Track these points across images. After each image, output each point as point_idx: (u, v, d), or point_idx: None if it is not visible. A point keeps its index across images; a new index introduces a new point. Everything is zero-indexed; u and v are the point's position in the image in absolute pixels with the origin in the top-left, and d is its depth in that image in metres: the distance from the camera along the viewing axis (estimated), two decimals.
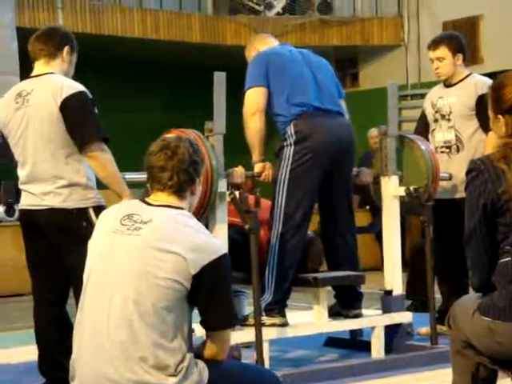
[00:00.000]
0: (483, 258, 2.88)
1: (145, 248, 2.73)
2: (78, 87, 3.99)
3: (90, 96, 4.01)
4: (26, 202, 4.10)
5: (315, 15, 12.25)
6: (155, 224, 2.76)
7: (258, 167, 4.75)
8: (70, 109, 3.93)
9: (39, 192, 4.01)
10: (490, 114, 3.01)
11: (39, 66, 4.14)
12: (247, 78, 4.75)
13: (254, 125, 4.66)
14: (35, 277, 4.19)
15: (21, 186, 4.13)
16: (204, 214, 4.33)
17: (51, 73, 4.08)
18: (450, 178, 5.38)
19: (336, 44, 12.30)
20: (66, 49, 4.13)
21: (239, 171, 4.52)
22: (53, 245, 4.03)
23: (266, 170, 4.75)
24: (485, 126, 5.32)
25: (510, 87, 2.92)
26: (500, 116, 2.94)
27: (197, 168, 2.89)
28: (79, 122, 3.94)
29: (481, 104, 5.32)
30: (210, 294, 2.73)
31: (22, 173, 4.11)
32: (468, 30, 11.39)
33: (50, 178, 3.98)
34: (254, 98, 4.68)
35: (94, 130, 3.96)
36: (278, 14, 12.30)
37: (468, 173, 2.92)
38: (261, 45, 4.96)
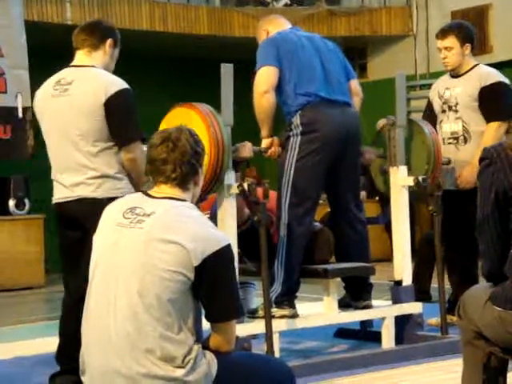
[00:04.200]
0: (495, 246, 2.87)
1: (147, 240, 2.73)
2: (124, 84, 4.05)
3: (133, 92, 4.05)
4: (58, 195, 4.14)
5: (323, 6, 12.21)
6: (157, 215, 2.77)
7: (265, 142, 4.75)
8: (116, 106, 3.97)
9: (70, 183, 4.05)
10: None
11: (81, 56, 4.17)
12: (258, 58, 4.71)
13: (264, 102, 4.63)
14: (67, 269, 4.21)
15: (53, 177, 4.17)
16: (214, 188, 4.32)
17: (93, 66, 4.11)
18: (449, 162, 5.37)
19: (344, 35, 12.26)
20: (109, 41, 4.17)
21: (247, 145, 4.52)
22: (83, 235, 4.05)
23: (273, 145, 4.74)
24: (487, 117, 5.31)
25: None
26: None
27: (199, 159, 2.90)
28: (124, 120, 4.00)
29: (483, 95, 5.30)
30: (213, 285, 2.72)
31: (53, 162, 4.14)
32: (477, 19, 11.34)
33: (80, 169, 4.02)
34: (265, 76, 4.64)
35: (136, 130, 4.05)
36: (285, 5, 12.27)
37: (481, 160, 2.91)
38: (272, 26, 4.92)
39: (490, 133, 5.25)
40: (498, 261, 2.88)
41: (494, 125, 5.23)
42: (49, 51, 9.59)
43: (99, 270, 2.82)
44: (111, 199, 3.97)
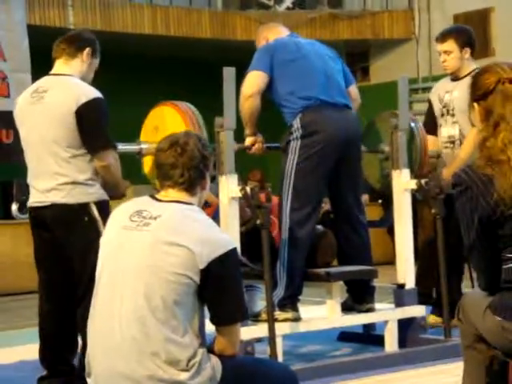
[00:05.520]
0: (488, 265, 2.84)
1: (154, 243, 2.74)
2: (96, 93, 4.09)
3: (105, 102, 4.09)
4: (32, 199, 4.20)
5: (325, 9, 12.22)
6: (164, 218, 2.78)
7: (249, 140, 4.80)
8: (87, 115, 4.01)
9: (42, 188, 4.11)
10: (469, 104, 2.95)
11: (59, 65, 4.24)
12: (251, 62, 4.76)
13: (249, 106, 4.68)
14: (41, 273, 4.24)
15: (28, 181, 4.24)
16: None
17: (69, 75, 4.16)
18: (438, 155, 5.38)
19: (347, 38, 12.27)
20: (87, 50, 4.23)
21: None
22: (57, 240, 4.09)
23: (257, 142, 4.79)
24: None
25: (487, 74, 2.86)
26: (475, 103, 2.89)
27: (206, 163, 2.91)
28: (93, 129, 4.04)
29: None
30: (218, 288, 2.73)
31: (29, 168, 4.21)
32: (479, 22, 11.35)
33: (52, 175, 4.07)
34: (252, 81, 4.69)
35: (105, 139, 4.09)
36: (288, 8, 12.28)
37: (453, 186, 2.85)
38: (270, 34, 4.97)
39: (471, 137, 5.28)
40: (493, 277, 2.85)
41: (476, 130, 5.22)
42: (51, 55, 9.61)
43: (105, 272, 2.83)
44: (82, 205, 4.03)
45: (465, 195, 2.79)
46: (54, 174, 4.05)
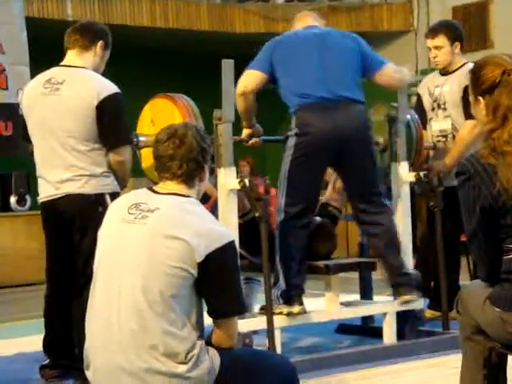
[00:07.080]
0: (488, 255, 2.85)
1: (151, 236, 2.73)
2: (114, 87, 4.09)
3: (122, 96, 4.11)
4: (43, 194, 4.15)
5: (324, 2, 12.22)
6: (162, 211, 2.77)
7: (245, 132, 4.83)
8: (108, 110, 4.01)
9: (55, 179, 4.07)
10: (471, 98, 2.91)
11: (71, 56, 4.20)
12: (253, 60, 4.75)
13: (240, 104, 4.66)
14: (52, 265, 4.22)
15: (38, 174, 4.18)
16: None
17: (83, 67, 4.14)
18: (434, 146, 5.40)
19: (345, 30, 12.27)
20: (100, 43, 4.21)
21: None
22: (71, 232, 4.07)
23: (254, 136, 4.83)
24: (466, 114, 5.31)
25: (490, 67, 2.83)
26: (480, 97, 2.85)
27: (205, 155, 2.90)
28: (115, 124, 4.04)
29: (466, 92, 5.30)
30: (216, 281, 2.73)
31: (39, 159, 4.15)
32: (478, 14, 11.36)
33: (68, 168, 4.05)
34: (245, 80, 4.65)
35: (126, 134, 4.11)
36: (287, 0, 12.27)
37: (457, 175, 2.85)
38: (292, 27, 4.90)
39: (465, 131, 5.29)
40: (493, 266, 2.85)
41: (470, 123, 5.18)
42: (49, 47, 9.59)
43: (103, 266, 2.82)
44: (99, 195, 4.02)
45: (468, 184, 2.79)
46: (71, 167, 4.03)
